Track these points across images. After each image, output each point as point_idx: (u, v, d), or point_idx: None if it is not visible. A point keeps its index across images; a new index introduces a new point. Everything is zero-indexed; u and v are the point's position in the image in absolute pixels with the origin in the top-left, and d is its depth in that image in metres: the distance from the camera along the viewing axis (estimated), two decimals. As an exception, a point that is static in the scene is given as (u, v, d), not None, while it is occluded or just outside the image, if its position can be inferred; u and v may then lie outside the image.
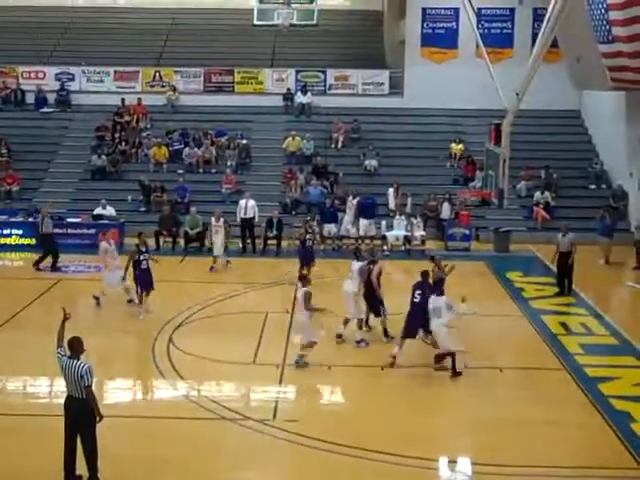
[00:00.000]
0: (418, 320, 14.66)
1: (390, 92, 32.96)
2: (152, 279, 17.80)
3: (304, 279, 15.15)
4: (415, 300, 14.75)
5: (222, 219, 22.34)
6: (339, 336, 15.98)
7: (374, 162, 29.11)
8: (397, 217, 25.14)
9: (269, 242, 24.55)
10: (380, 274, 16.33)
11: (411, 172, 29.05)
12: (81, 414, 10.06)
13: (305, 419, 12.52)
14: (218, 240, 22.07)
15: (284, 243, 24.31)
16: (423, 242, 24.83)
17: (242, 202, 24.78)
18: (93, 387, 10.15)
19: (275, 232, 24.40)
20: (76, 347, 10.22)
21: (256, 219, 24.69)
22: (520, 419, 12.68)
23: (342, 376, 14.65)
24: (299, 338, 14.91)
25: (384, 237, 24.83)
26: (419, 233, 24.87)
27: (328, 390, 14.31)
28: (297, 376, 14.40)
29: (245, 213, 24.52)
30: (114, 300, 18.43)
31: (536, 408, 13.05)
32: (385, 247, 24.27)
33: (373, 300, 16.13)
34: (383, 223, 25.31)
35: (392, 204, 26.42)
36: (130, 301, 18.26)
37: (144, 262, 17.73)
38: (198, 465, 11.01)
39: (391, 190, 26.73)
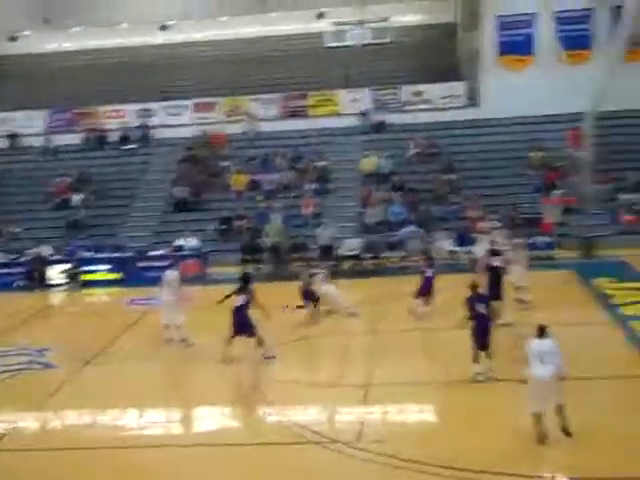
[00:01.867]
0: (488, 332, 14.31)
1: (467, 104, 32.53)
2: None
3: None
4: (482, 312, 14.31)
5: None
6: None
7: (452, 176, 28.69)
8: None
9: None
10: None
11: (492, 183, 28.52)
12: None
13: (391, 439, 12.28)
14: None
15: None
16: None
17: (318, 230, 25.10)
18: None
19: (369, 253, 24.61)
20: None
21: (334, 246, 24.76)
22: (618, 430, 12.08)
23: (429, 393, 14.35)
24: None
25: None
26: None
27: (413, 409, 14.00)
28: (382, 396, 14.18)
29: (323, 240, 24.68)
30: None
31: (623, 416, 12.48)
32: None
33: None
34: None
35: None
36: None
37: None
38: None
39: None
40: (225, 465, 11.89)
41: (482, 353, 14.38)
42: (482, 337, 14.34)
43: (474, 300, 14.50)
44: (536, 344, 12.00)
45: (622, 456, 11.23)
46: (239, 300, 16.06)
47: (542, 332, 12.09)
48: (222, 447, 12.50)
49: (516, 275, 18.52)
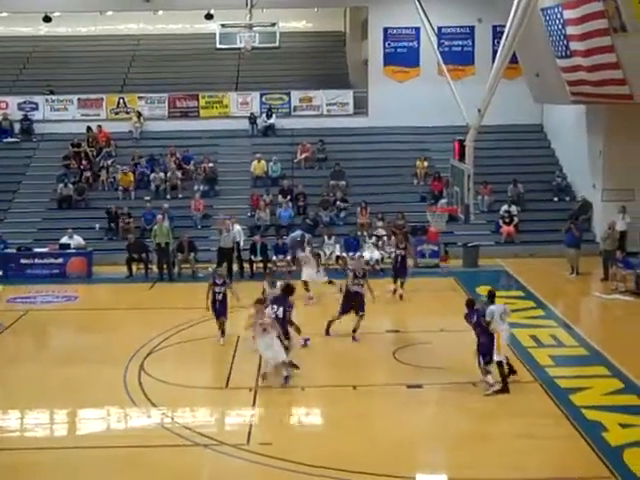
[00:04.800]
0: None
1: (355, 112, 33.18)
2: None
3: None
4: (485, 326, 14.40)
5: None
6: None
7: (342, 182, 29.25)
8: (368, 240, 25.22)
9: (256, 266, 24.62)
10: None
11: (378, 190, 29.22)
12: None
13: (279, 442, 12.46)
14: None
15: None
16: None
17: (225, 233, 24.60)
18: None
19: (260, 257, 24.45)
20: None
21: (242, 244, 24.79)
22: (493, 432, 12.77)
23: (317, 397, 14.64)
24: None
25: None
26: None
27: (302, 412, 14.24)
28: (271, 399, 14.36)
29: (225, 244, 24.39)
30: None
31: (509, 421, 13.15)
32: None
33: None
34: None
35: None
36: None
37: (219, 294, 17.48)
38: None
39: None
40: (110, 467, 11.74)
41: None
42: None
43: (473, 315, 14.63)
44: None
45: (496, 456, 11.86)
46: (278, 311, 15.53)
47: None
48: (106, 449, 12.30)
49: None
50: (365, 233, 25.92)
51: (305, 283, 21.15)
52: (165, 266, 24.39)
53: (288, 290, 16.03)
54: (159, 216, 25.47)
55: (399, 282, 21.41)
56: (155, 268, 24.66)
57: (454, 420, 13.31)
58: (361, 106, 33.23)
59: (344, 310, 17.57)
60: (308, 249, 22.18)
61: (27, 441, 12.94)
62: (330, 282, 21.46)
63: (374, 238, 25.37)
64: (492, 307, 14.53)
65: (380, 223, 26.40)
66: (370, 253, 24.57)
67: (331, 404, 14.21)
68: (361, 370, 15.88)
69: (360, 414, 13.64)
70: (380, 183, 29.79)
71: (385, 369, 15.97)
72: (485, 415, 13.52)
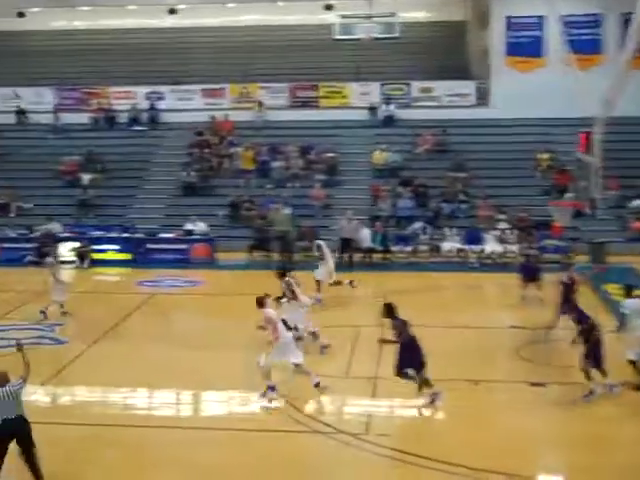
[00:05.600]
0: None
1: (476, 103, 32.71)
2: None
3: None
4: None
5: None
6: None
7: (462, 174, 28.92)
8: (490, 233, 24.91)
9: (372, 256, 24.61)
10: None
11: (500, 183, 28.70)
12: None
13: (397, 433, 12.46)
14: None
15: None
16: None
17: (344, 223, 24.89)
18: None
19: (380, 246, 24.46)
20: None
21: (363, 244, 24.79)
22: (616, 435, 12.38)
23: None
24: None
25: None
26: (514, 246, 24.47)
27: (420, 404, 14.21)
28: (390, 389, 14.34)
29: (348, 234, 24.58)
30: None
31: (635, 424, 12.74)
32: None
33: None
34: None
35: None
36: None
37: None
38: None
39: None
40: (232, 450, 11.96)
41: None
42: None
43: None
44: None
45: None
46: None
47: None
48: (229, 432, 12.59)
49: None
50: (486, 226, 25.53)
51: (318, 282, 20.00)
52: (286, 254, 24.62)
53: None
54: (276, 205, 25.78)
55: (535, 284, 19.79)
56: (276, 255, 24.94)
57: (577, 421, 12.90)
58: (483, 97, 32.73)
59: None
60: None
61: (152, 419, 13.40)
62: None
63: (497, 231, 24.97)
64: (629, 301, 13.95)
65: (502, 216, 25.94)
66: (492, 246, 24.25)
67: (451, 398, 14.02)
68: (484, 365, 15.61)
69: (481, 410, 13.44)
70: (502, 176, 29.20)
71: (508, 365, 15.73)
72: (610, 418, 13.08)
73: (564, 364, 14.96)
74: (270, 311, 14.03)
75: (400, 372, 13.12)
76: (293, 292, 16.17)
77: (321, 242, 20.61)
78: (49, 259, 20.07)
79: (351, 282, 19.99)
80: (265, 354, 13.90)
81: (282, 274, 16.65)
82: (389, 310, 13.23)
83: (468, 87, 33.00)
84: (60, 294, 19.26)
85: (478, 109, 32.36)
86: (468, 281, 22.31)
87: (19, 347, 11.01)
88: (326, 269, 19.68)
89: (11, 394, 10.38)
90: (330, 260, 19.98)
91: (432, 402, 13.17)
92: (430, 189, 28.32)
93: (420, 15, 39.53)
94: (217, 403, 14.11)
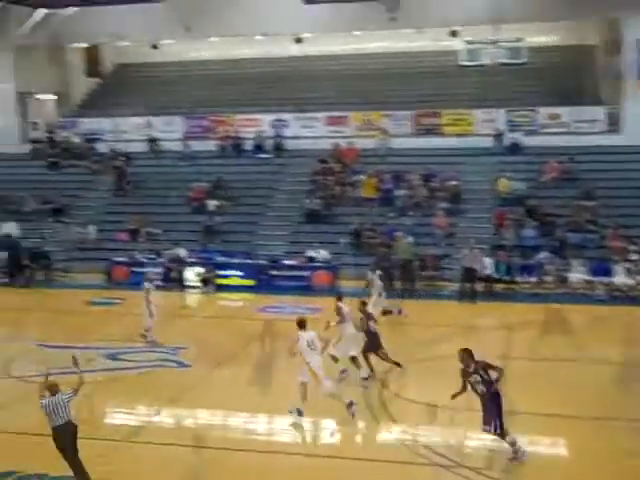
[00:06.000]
0: None
1: (607, 129, 31.70)
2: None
3: None
4: None
5: None
6: None
7: (591, 203, 27.98)
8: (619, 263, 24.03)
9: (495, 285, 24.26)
10: None
11: (631, 212, 27.63)
12: None
13: (520, 470, 12.07)
14: None
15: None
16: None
17: (466, 251, 24.61)
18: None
19: (505, 276, 24.18)
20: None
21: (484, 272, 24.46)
22: None
23: (558, 425, 13.99)
24: None
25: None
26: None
27: (544, 440, 13.71)
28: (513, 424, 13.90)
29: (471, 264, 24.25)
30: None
31: None
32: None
33: None
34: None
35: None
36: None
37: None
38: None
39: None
40: (342, 477, 11.97)
41: None
42: None
43: None
44: None
45: None
46: None
47: None
48: (347, 460, 12.60)
49: None
50: (618, 257, 24.61)
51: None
52: (407, 282, 24.45)
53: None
54: (398, 233, 25.65)
55: None
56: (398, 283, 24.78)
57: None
58: (614, 123, 31.67)
59: None
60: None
61: (273, 445, 13.48)
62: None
63: (628, 263, 24.02)
64: None
65: (634, 247, 24.93)
66: (622, 278, 23.33)
67: (579, 437, 13.52)
68: (608, 401, 14.92)
69: (603, 450, 12.86)
70: (633, 205, 28.13)
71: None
72: None
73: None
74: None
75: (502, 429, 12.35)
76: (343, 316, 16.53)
77: (372, 273, 21.09)
78: (146, 283, 20.07)
79: (400, 311, 20.45)
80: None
81: (338, 298, 17.12)
82: (470, 356, 12.43)
83: (598, 113, 32.00)
84: (147, 319, 19.49)
85: (608, 135, 31.33)
86: (597, 313, 21.54)
87: (75, 362, 11.94)
88: (372, 299, 19.57)
89: (62, 402, 11.30)
90: (377, 290, 20.26)
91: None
92: (556, 218, 27.53)
93: (548, 39, 38.72)
94: (337, 432, 14.04)
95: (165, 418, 14.79)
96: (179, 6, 33.28)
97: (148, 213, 30.57)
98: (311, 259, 26.02)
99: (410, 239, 25.72)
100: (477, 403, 14.40)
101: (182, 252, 26.99)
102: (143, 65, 40.84)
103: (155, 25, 34.45)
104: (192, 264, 26.37)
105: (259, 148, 34.00)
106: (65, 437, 11.28)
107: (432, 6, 30.34)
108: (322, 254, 26.14)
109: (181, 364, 17.94)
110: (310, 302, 23.78)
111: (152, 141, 35.10)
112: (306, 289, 25.40)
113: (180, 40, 37.85)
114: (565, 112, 32.39)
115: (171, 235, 29.14)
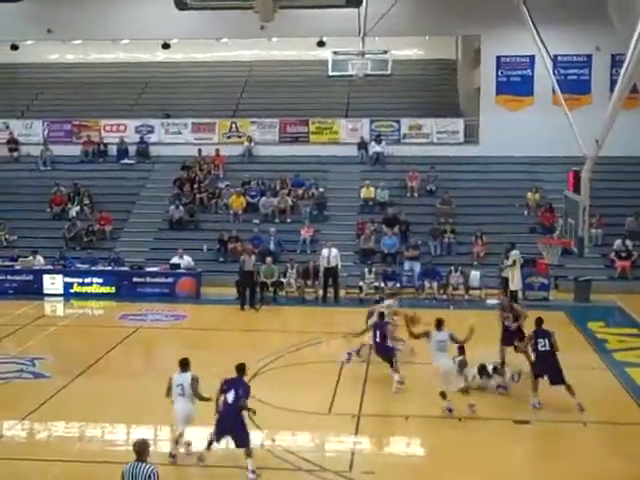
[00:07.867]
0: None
1: (465, 140, 32.86)
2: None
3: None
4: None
5: None
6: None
7: (450, 210, 28.96)
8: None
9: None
10: None
11: (487, 220, 28.73)
12: None
13: (382, 471, 12.31)
14: None
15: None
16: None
17: (325, 251, 24.93)
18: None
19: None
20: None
21: (339, 267, 24.89)
22: (602, 473, 12.25)
23: (421, 427, 14.38)
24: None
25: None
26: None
27: (405, 442, 14.04)
28: (374, 427, 14.20)
29: (328, 262, 24.69)
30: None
31: (619, 461, 12.63)
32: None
33: None
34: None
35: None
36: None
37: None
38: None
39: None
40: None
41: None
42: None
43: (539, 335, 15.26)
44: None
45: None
46: None
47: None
48: (208, 468, 12.54)
49: None
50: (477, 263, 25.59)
51: None
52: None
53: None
54: (268, 258, 25.32)
55: None
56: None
57: (561, 459, 12.83)
58: (472, 135, 32.88)
59: None
60: None
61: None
62: None
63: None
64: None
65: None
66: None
67: (434, 435, 13.93)
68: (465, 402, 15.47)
69: (463, 446, 13.34)
70: (490, 213, 29.30)
71: (492, 403, 15.56)
72: (594, 455, 12.98)
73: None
74: None
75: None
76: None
77: None
78: None
79: None
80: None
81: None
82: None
83: (457, 125, 33.13)
84: None
85: (467, 146, 32.47)
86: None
87: None
88: None
89: None
90: None
91: None
92: (418, 226, 28.30)
93: (412, 53, 39.78)
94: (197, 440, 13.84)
95: (19, 432, 14.25)
96: (41, 6, 32.22)
97: (6, 219, 29.44)
98: (175, 266, 25.68)
99: (272, 265, 25.35)
100: (336, 408, 14.76)
101: (39, 259, 26.13)
102: (1, 66, 39.33)
103: (14, 25, 33.16)
104: (49, 272, 25.55)
105: (124, 154, 33.36)
106: None
107: (302, 16, 30.62)
108: (186, 260, 25.84)
109: (39, 375, 17.33)
110: (173, 309, 23.55)
111: (11, 143, 33.85)
112: (169, 296, 25.05)
113: (42, 42, 36.67)
114: (427, 123, 33.33)
115: (29, 242, 28.19)
